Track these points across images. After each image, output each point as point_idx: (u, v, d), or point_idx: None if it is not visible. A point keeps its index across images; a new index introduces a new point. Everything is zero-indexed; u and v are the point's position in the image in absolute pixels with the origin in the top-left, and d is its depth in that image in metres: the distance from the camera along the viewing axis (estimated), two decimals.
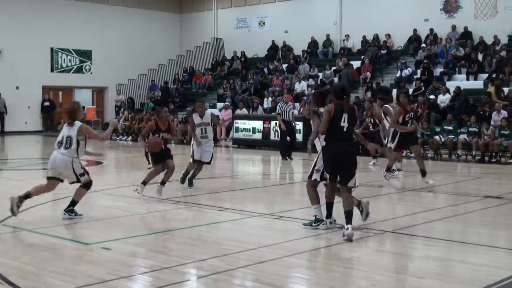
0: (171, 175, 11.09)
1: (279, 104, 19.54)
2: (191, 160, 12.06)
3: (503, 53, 25.19)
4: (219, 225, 8.67)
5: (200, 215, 9.58)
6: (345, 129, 7.84)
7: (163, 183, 11.00)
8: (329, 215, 8.19)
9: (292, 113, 19.07)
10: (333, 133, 7.82)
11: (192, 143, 12.11)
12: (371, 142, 14.55)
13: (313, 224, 8.20)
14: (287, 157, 18.47)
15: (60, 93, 35.21)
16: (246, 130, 24.03)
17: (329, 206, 8.15)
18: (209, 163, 12.22)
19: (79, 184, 8.79)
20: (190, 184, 12.05)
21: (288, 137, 18.76)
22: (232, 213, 9.57)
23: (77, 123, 8.76)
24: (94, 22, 34.14)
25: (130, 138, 27.47)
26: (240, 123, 24.37)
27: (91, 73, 34.69)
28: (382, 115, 14.32)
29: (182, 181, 12.13)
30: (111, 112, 34.43)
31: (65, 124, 8.92)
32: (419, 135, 19.85)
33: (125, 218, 9.09)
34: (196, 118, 12.14)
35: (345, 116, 7.85)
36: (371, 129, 17.11)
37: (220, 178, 14.72)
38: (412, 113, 13.07)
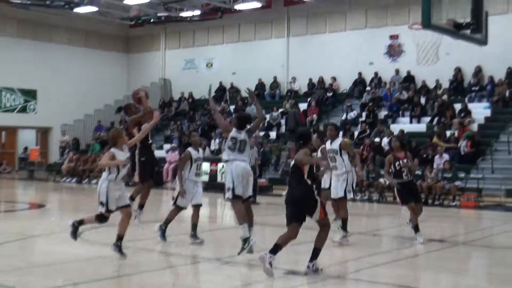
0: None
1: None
2: (172, 206, 10.68)
3: (445, 97, 25.91)
4: (165, 271, 8.52)
5: (148, 260, 9.37)
6: None
7: (141, 207, 10.91)
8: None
9: (256, 157, 18.69)
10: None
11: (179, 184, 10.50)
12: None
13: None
14: (256, 202, 18.32)
15: (4, 133, 34.49)
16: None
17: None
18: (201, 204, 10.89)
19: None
20: (195, 236, 10.54)
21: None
22: (179, 257, 9.42)
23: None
24: (40, 61, 33.71)
25: (74, 179, 26.98)
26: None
27: (36, 113, 34.14)
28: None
29: (164, 236, 10.52)
30: (55, 153, 33.81)
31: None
32: (364, 178, 20.17)
33: (68, 264, 8.85)
34: (192, 152, 10.60)
35: None
36: None
37: None
38: (401, 160, 11.32)
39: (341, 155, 10.70)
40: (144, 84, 36.06)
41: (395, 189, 11.34)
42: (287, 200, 8.14)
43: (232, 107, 31.60)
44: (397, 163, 11.20)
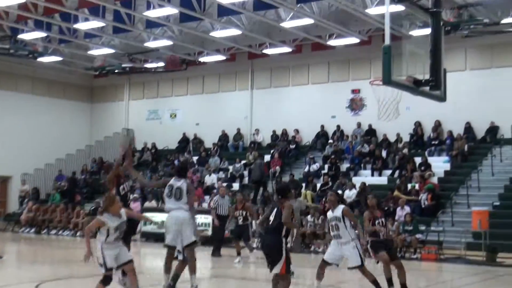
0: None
1: (215, 198, 19.28)
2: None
3: (405, 150, 26.33)
4: None
5: None
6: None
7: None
8: None
9: (228, 207, 18.62)
10: None
11: None
12: (239, 237, 15.08)
13: None
14: (219, 254, 18.18)
15: None
16: (155, 223, 23.61)
17: None
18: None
19: None
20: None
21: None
22: None
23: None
24: (1, 109, 33.34)
25: (33, 230, 26.47)
26: (149, 216, 23.98)
27: None
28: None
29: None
30: (14, 202, 33.15)
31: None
32: (326, 230, 20.22)
33: None
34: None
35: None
36: (240, 223, 17.23)
37: None
38: (381, 219, 11.23)
39: (344, 222, 10.64)
40: (107, 134, 36.08)
41: (369, 243, 11.13)
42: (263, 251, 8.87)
43: (195, 158, 31.58)
44: (377, 222, 11.06)
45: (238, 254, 16.76)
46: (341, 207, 10.79)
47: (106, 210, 8.59)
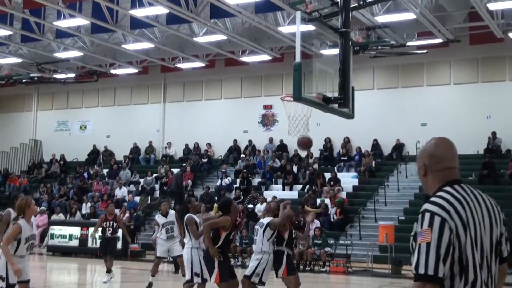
0: None
1: (156, 216, 18.22)
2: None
3: (316, 166, 26.84)
4: None
5: None
6: None
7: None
8: None
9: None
10: None
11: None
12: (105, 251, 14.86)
13: None
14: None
15: None
16: (62, 236, 23.12)
17: None
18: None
19: None
20: None
21: None
22: None
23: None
24: None
25: None
26: (56, 229, 23.43)
27: None
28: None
29: None
30: None
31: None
32: (237, 243, 20.32)
33: None
34: (160, 218, 13.67)
35: None
36: (108, 235, 15.74)
37: None
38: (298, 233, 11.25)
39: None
40: (13, 144, 34.90)
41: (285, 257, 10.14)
42: None
43: (105, 171, 31.04)
44: (293, 232, 10.37)
45: (108, 271, 14.97)
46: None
47: (23, 213, 7.86)
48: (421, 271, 2.93)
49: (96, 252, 19.38)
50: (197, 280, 10.08)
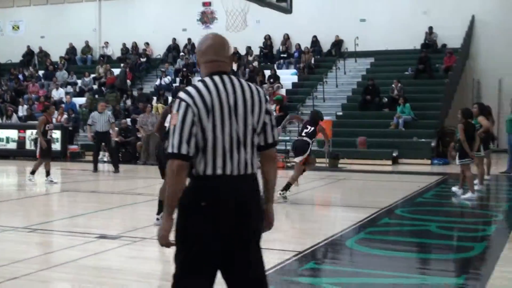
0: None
1: (92, 114, 17.76)
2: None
3: (255, 63, 26.79)
4: None
5: None
6: None
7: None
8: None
9: (111, 123, 17.19)
10: None
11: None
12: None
13: None
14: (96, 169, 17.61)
15: None
16: (0, 139, 22.75)
17: None
18: None
19: None
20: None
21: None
22: None
23: None
24: None
25: None
26: None
27: None
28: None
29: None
30: None
31: None
32: None
33: None
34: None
35: None
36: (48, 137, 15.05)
37: None
38: None
39: None
40: None
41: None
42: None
43: (41, 72, 30.31)
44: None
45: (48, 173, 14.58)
46: None
47: None
48: (169, 150, 3.33)
49: (34, 154, 19.22)
50: None
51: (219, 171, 3.36)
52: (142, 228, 8.74)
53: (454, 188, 12.51)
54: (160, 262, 7.27)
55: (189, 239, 3.37)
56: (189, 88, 3.41)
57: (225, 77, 3.45)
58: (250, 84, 3.52)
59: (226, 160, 3.38)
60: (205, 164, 3.36)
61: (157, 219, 8.58)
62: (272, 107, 23.02)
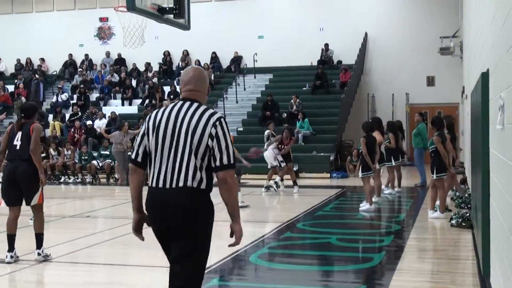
0: None
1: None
2: None
3: (155, 79, 26.62)
4: None
5: None
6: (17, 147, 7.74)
7: None
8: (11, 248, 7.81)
9: None
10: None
11: None
12: None
13: None
14: None
15: None
16: None
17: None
18: None
19: None
20: None
21: None
22: None
23: None
24: None
25: None
26: None
27: None
28: None
29: None
30: None
31: None
32: (76, 160, 19.96)
33: None
34: None
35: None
36: None
37: None
38: None
39: None
40: None
41: None
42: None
43: None
44: None
45: None
46: None
47: None
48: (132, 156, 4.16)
49: None
50: None
51: None
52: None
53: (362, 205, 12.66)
54: (65, 285, 7.08)
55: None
56: (155, 110, 4.20)
57: (179, 103, 4.09)
58: (205, 112, 4.01)
59: (155, 166, 4.06)
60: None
61: (11, 256, 7.71)
62: None
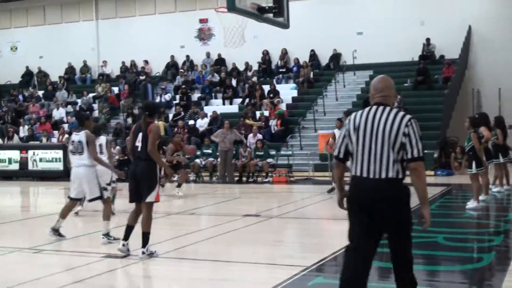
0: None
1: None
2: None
3: (254, 78, 26.85)
4: None
5: None
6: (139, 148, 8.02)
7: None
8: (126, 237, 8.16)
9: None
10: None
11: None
12: None
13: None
14: None
15: None
16: (2, 160, 22.73)
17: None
18: None
19: None
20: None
21: None
22: None
23: None
24: None
25: None
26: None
27: None
28: None
29: None
30: None
31: None
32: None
33: None
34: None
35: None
36: None
37: None
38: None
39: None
40: None
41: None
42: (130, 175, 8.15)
43: (40, 92, 30.35)
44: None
45: None
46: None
47: None
48: (335, 153, 4.91)
49: (37, 175, 19.23)
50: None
51: None
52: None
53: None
54: (174, 281, 7.23)
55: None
56: (354, 113, 4.86)
57: (374, 108, 4.76)
58: (397, 114, 4.67)
59: (358, 162, 4.76)
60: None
61: (123, 244, 8.07)
62: (273, 122, 23.04)
